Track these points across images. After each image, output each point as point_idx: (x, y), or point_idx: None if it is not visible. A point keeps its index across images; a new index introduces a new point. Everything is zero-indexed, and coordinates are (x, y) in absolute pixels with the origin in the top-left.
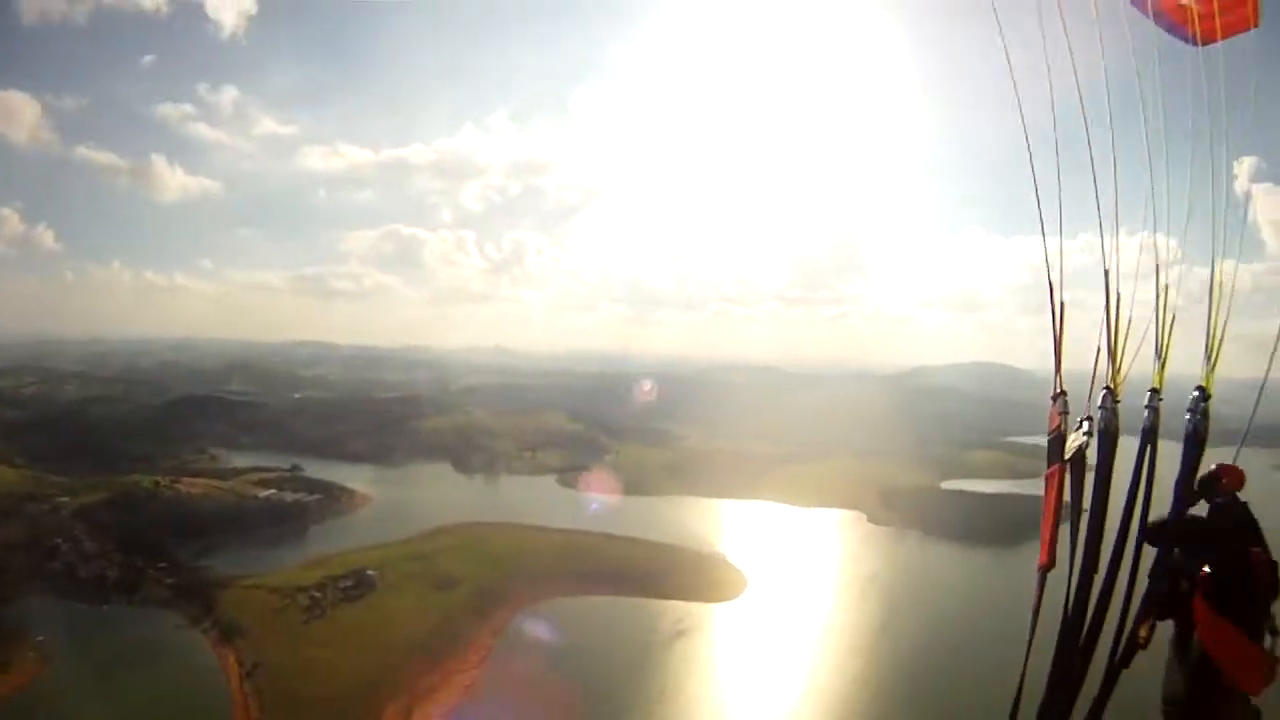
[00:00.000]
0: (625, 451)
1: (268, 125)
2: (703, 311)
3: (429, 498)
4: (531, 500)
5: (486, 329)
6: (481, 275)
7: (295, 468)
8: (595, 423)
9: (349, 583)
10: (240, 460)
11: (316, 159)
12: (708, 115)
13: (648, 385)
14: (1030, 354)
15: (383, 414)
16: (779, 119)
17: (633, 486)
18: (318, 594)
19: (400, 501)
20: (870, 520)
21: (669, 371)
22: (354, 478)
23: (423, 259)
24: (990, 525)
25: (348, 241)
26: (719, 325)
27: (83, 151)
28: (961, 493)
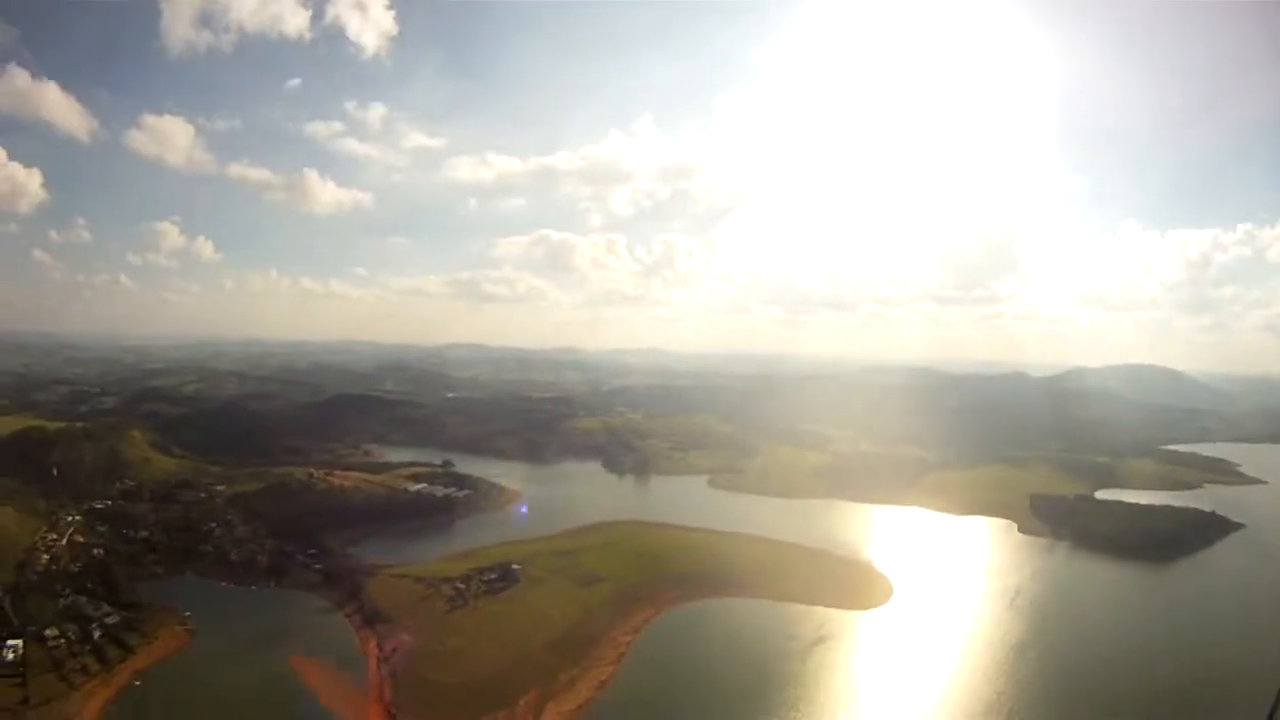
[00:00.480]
0: (776, 454)
1: (416, 139)
2: (855, 312)
3: (578, 495)
4: (681, 500)
5: (639, 331)
6: (632, 278)
7: (447, 463)
8: (747, 424)
9: (493, 575)
10: (393, 456)
11: (465, 169)
12: (856, 115)
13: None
14: (1187, 355)
15: (534, 413)
16: (928, 116)
17: (783, 488)
18: (462, 585)
19: (549, 499)
20: (1020, 530)
21: (821, 373)
22: (505, 475)
23: (574, 263)
24: (1143, 539)
25: (500, 247)
26: (872, 326)
27: (237, 169)
28: (1116, 503)
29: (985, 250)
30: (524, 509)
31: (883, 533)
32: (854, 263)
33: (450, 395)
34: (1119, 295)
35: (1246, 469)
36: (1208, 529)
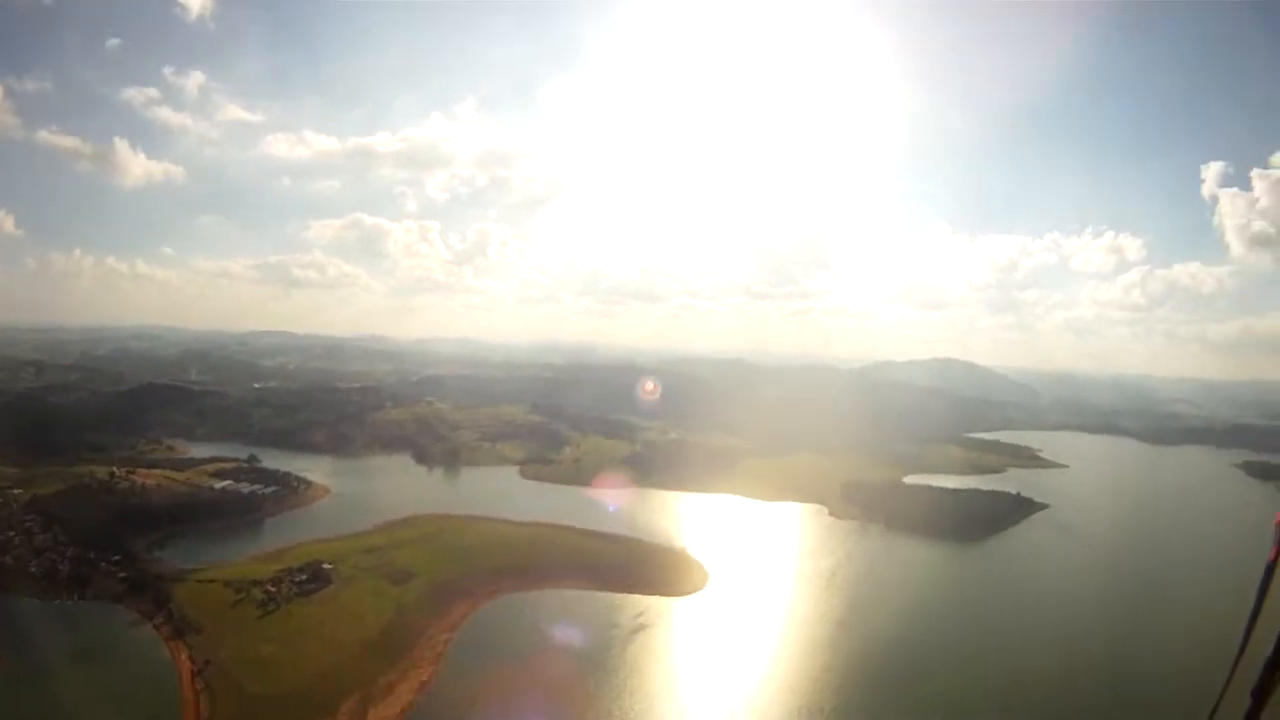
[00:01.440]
0: (587, 443)
1: (233, 111)
2: (667, 304)
3: (387, 489)
4: (491, 492)
5: (451, 320)
6: (444, 265)
7: (252, 458)
8: (557, 414)
9: (304, 576)
10: (198, 451)
11: (282, 146)
12: (676, 109)
13: (650, 384)
14: (991, 352)
15: (343, 405)
16: (748, 114)
17: (594, 478)
18: (272, 588)
19: (358, 493)
20: (832, 514)
21: (632, 364)
22: (312, 469)
23: (386, 249)
24: (953, 520)
25: (312, 230)
26: (684, 319)
27: (45, 135)
28: (925, 488)
29: (798, 247)
30: None
31: (696, 520)
32: (667, 255)
33: (257, 385)
34: (927, 294)
35: (1047, 454)
36: (1013, 509)
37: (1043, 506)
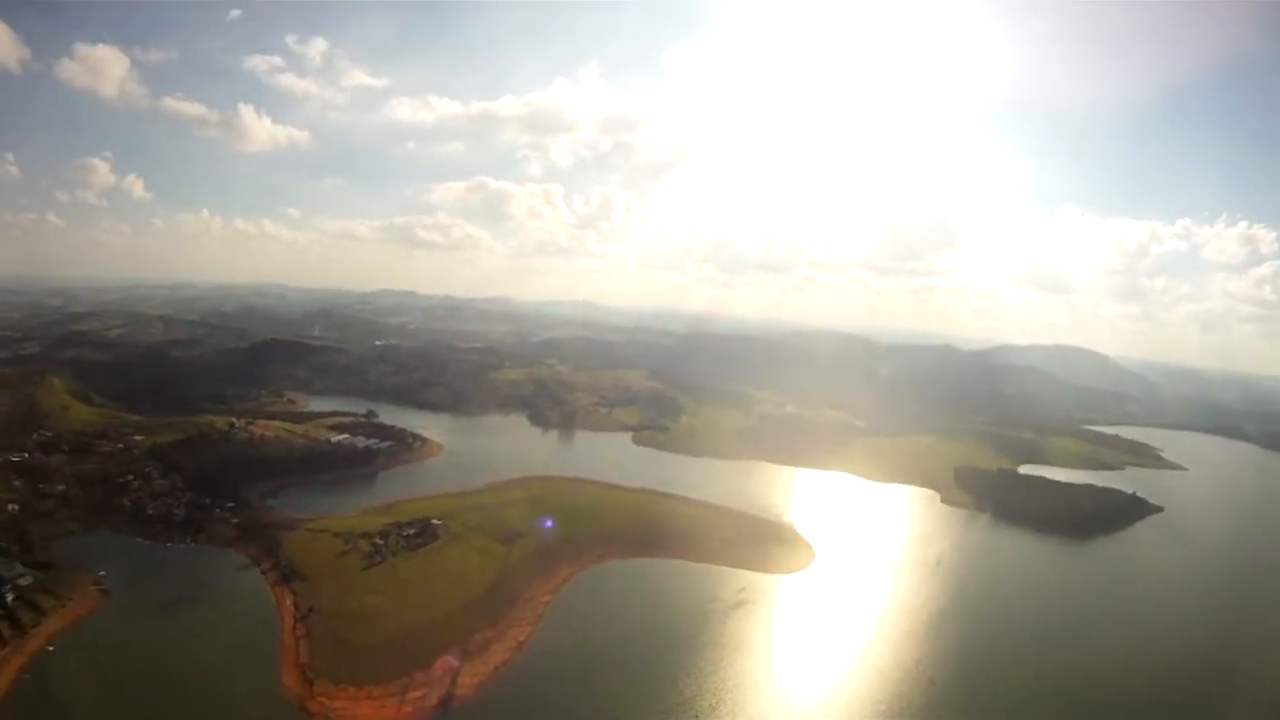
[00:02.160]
0: (702, 413)
1: (358, 77)
2: (790, 275)
3: (501, 449)
4: (604, 457)
5: (572, 283)
6: (567, 229)
7: (370, 414)
8: (674, 382)
9: (412, 531)
10: (317, 405)
11: (406, 111)
12: (802, 79)
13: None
14: (1114, 341)
15: (461, 364)
16: (875, 87)
17: (707, 448)
18: (380, 541)
19: (472, 451)
20: (944, 500)
21: (751, 334)
22: (429, 426)
23: (510, 211)
24: (1064, 516)
25: (435, 193)
26: (807, 291)
27: (171, 103)
28: (1039, 479)
29: (924, 224)
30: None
31: (806, 497)
32: (791, 227)
33: (379, 343)
34: (1052, 276)
35: (1168, 454)
36: (1127, 510)
37: (1157, 509)
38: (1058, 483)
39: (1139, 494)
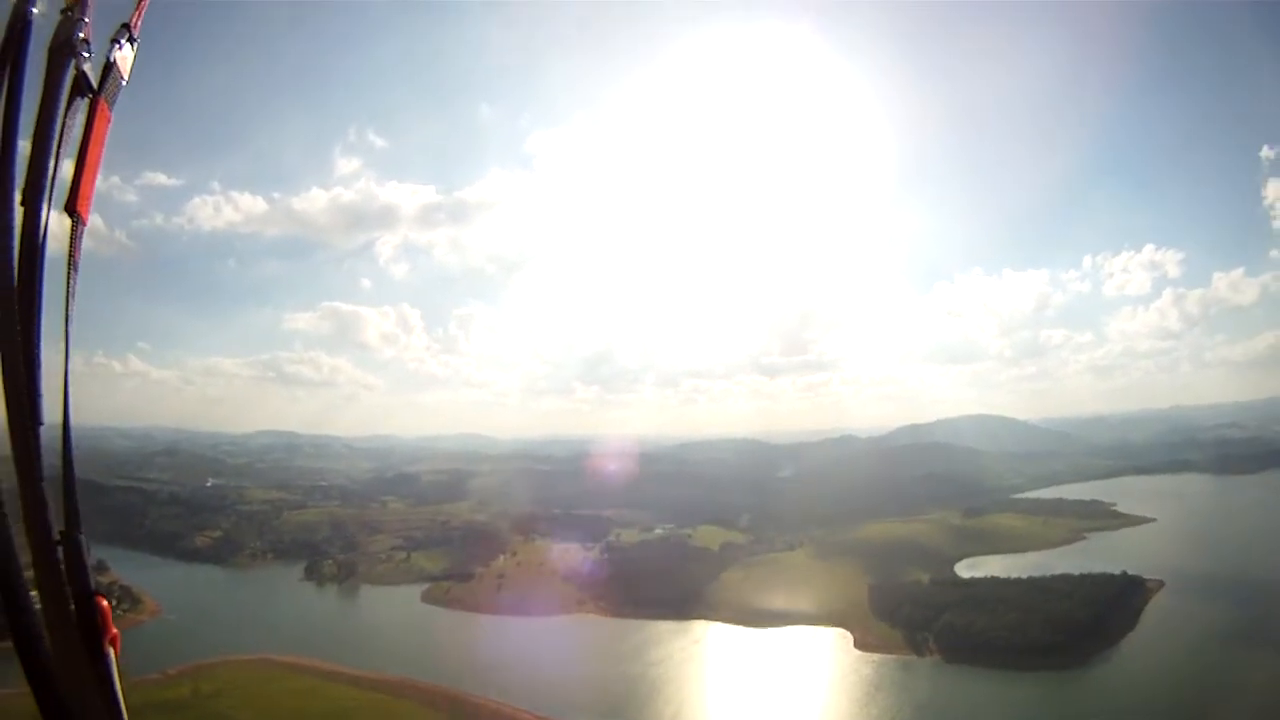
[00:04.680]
0: (526, 551)
1: (149, 177)
2: (679, 387)
3: (236, 614)
4: (373, 621)
5: (459, 416)
6: (437, 357)
7: (99, 564)
8: (507, 513)
9: None
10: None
11: (207, 211)
12: (669, 175)
13: (610, 464)
14: (1018, 403)
15: (250, 505)
16: (747, 171)
17: (522, 601)
18: None
19: (193, 617)
20: (860, 644)
21: (633, 451)
22: (167, 580)
23: (366, 339)
24: (1042, 632)
25: (288, 321)
26: (697, 401)
27: None
28: (989, 581)
29: (810, 315)
30: None
31: (638, 679)
32: (673, 334)
33: (210, 483)
34: (953, 347)
35: (1124, 507)
36: (1122, 599)
37: (1158, 584)
38: (1016, 580)
39: (1129, 571)
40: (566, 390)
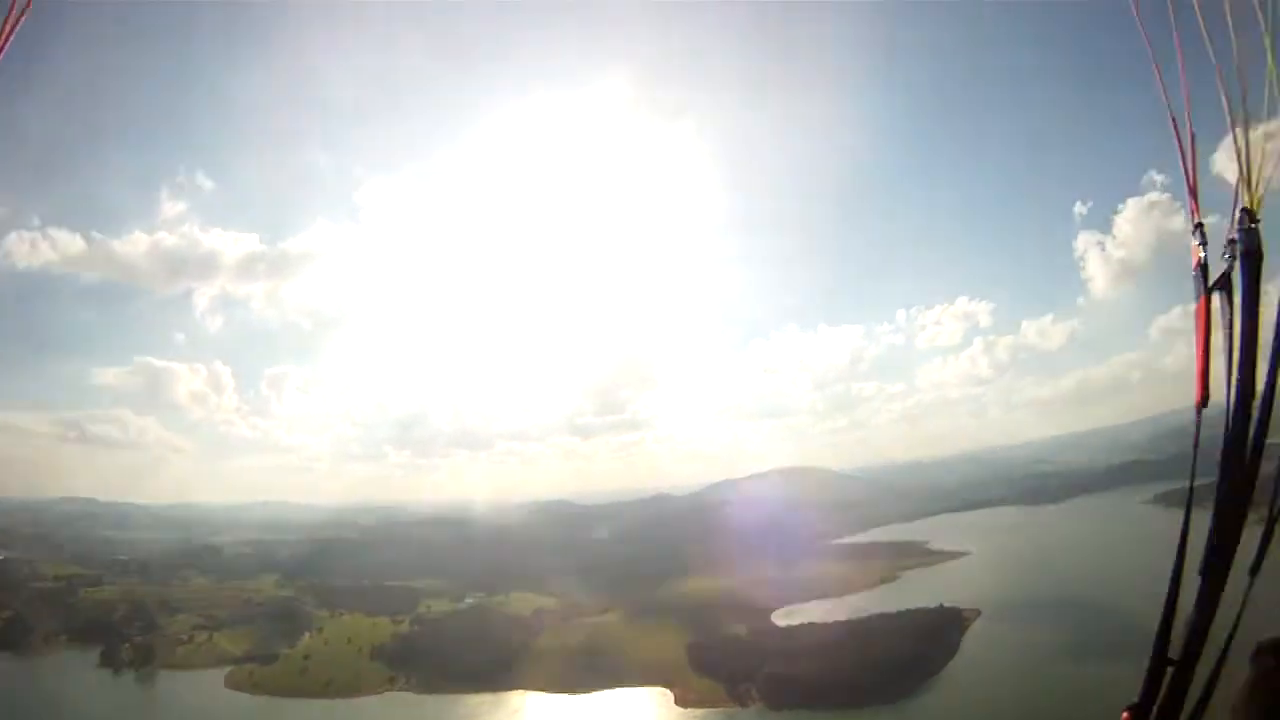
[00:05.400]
0: (337, 627)
1: None
2: (492, 449)
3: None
4: (168, 715)
5: (268, 482)
6: (247, 419)
7: None
8: (313, 587)
9: None
10: None
11: (24, 246)
12: (475, 227)
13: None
14: (832, 454)
15: (44, 582)
16: (567, 217)
17: (328, 682)
18: None
19: None
20: (681, 700)
21: (444, 518)
22: None
23: (178, 398)
24: (860, 670)
25: (98, 376)
26: (509, 463)
27: None
28: (805, 627)
29: (625, 373)
30: None
31: None
32: (485, 395)
33: None
34: (766, 403)
35: (937, 544)
36: (941, 630)
37: (974, 613)
38: (837, 624)
39: (944, 603)
40: (378, 455)
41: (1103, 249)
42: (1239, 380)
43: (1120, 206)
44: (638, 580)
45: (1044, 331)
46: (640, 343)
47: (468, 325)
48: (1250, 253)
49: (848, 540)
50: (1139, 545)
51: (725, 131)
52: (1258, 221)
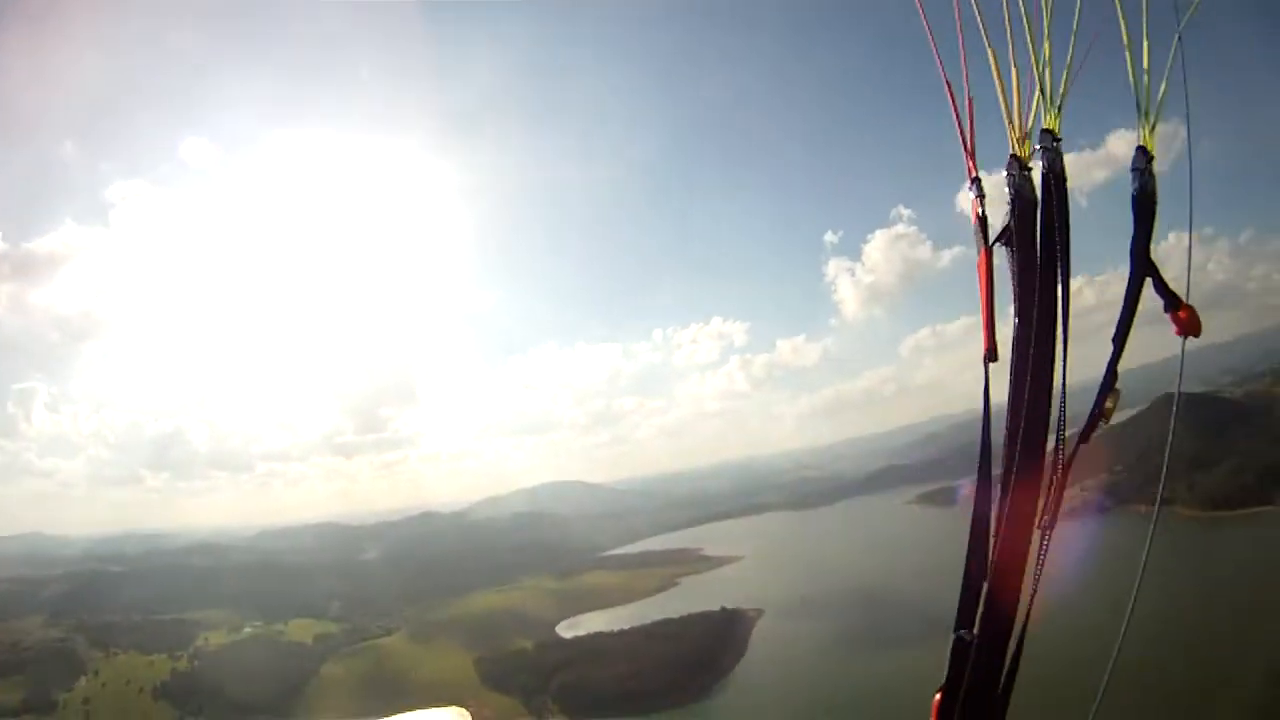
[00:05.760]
0: (114, 668)
1: None
2: (253, 472)
3: None
4: None
5: (21, 512)
6: None
7: None
8: (83, 625)
9: None
10: None
11: None
12: (233, 236)
13: None
14: (597, 468)
15: None
16: (318, 230)
17: None
18: None
19: None
20: (478, 719)
21: (212, 543)
22: None
23: None
24: (656, 671)
25: None
26: (272, 486)
27: None
28: (593, 637)
29: (385, 389)
30: None
31: None
32: (245, 414)
33: None
34: (530, 419)
35: (711, 550)
36: (726, 631)
37: (757, 612)
38: (623, 632)
39: (725, 606)
40: (135, 478)
41: (853, 275)
42: (1017, 338)
43: (869, 236)
44: (415, 600)
45: (798, 349)
46: (399, 360)
47: (224, 339)
48: (1053, 173)
49: (621, 551)
50: (908, 542)
51: (481, 149)
52: (1059, 140)
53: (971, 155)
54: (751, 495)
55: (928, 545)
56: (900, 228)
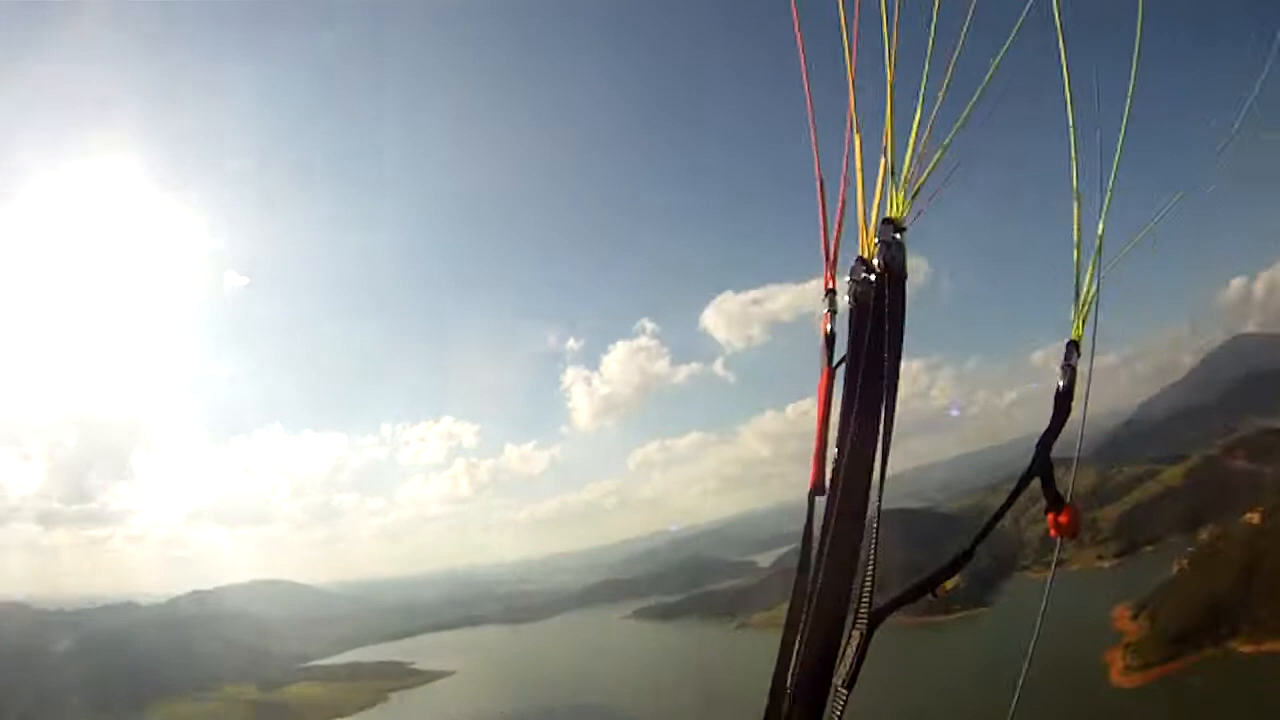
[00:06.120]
0: None
1: None
2: None
3: None
4: None
5: None
6: None
7: None
8: None
9: None
10: None
11: None
12: None
13: None
14: (311, 568)
15: None
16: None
17: None
18: None
19: None
20: None
21: None
22: None
23: None
24: None
25: None
26: None
27: None
28: None
29: (99, 451)
30: None
31: None
32: None
33: None
34: (243, 508)
35: (422, 664)
36: None
37: None
38: None
39: None
40: None
41: (589, 384)
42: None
43: (610, 347)
44: (108, 704)
45: (526, 457)
46: (116, 422)
47: None
48: (890, 275)
49: (330, 661)
50: (624, 657)
51: (238, 216)
52: (902, 230)
53: (832, 265)
54: (469, 606)
55: (644, 660)
56: (643, 340)
